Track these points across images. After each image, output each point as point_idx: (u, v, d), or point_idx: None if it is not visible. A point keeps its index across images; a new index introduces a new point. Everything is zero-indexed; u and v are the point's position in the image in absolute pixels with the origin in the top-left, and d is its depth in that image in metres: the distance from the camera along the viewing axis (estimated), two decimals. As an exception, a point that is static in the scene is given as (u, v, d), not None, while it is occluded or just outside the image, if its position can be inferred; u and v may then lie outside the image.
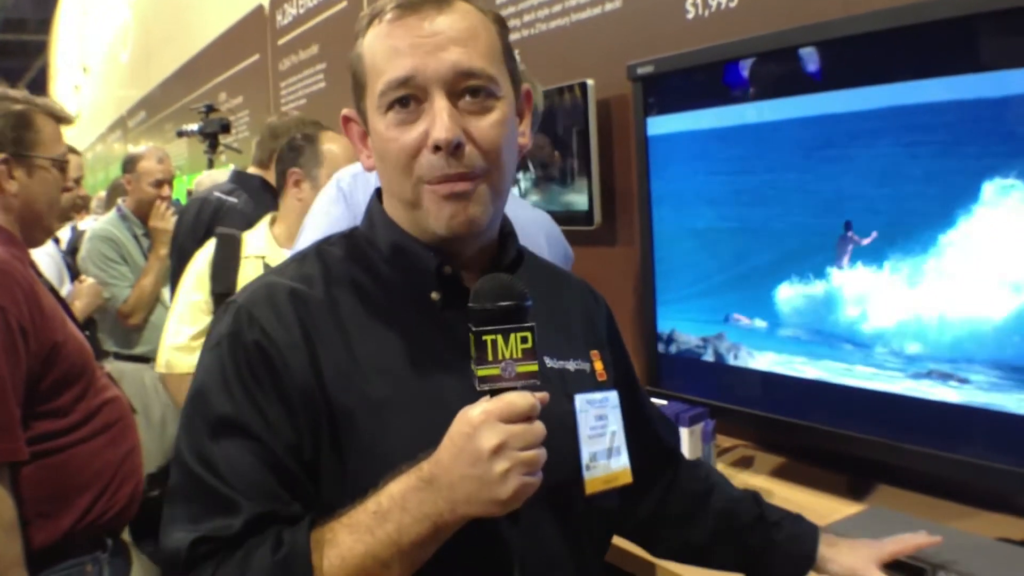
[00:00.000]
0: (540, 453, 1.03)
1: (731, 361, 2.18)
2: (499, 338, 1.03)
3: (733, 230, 2.20)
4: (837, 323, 1.96)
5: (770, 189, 2.09)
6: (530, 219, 2.11)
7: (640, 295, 2.51)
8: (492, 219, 1.23)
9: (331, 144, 2.80)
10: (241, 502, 1.07)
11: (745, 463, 2.25)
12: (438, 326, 1.20)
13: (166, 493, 1.13)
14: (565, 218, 2.90)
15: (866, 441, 1.89)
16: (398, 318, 1.21)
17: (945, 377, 1.75)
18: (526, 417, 1.02)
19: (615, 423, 1.28)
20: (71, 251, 4.81)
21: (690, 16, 2.44)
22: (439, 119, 1.14)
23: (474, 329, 1.04)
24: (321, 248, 1.29)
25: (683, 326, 2.35)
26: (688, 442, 2.21)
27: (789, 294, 2.04)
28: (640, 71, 2.38)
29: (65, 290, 3.87)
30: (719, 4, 2.35)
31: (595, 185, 2.79)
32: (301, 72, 5.14)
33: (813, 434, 2.03)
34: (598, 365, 1.36)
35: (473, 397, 1.04)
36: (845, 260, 1.92)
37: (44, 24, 20.50)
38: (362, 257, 1.27)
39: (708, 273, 2.29)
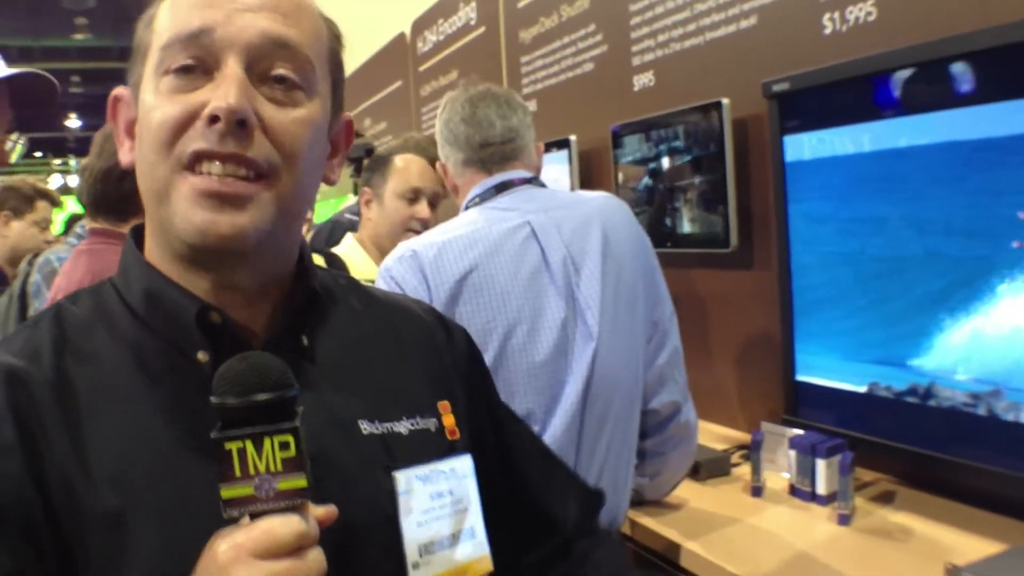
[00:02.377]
0: None
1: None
2: (248, 445, 0.74)
3: (889, 259, 2.06)
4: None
5: (925, 213, 1.96)
6: (592, 208, 1.99)
7: (777, 321, 2.42)
8: (269, 239, 0.91)
9: (399, 162, 2.90)
10: None
11: (886, 498, 2.13)
12: (208, 401, 0.79)
13: None
14: (700, 240, 2.84)
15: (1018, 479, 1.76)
16: (150, 396, 0.90)
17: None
18: (294, 548, 0.74)
19: (467, 498, 1.02)
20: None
21: (827, 31, 2.35)
22: (225, 84, 0.86)
23: (214, 435, 0.74)
24: (63, 308, 0.97)
25: (850, 367, 2.20)
26: (824, 475, 2.11)
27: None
28: (775, 88, 2.31)
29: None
30: (857, 19, 2.26)
31: (731, 207, 2.71)
32: (441, 97, 5.18)
33: (961, 470, 1.90)
34: (448, 420, 1.07)
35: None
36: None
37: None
38: (109, 316, 0.96)
39: (865, 305, 2.15)
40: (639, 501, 2.19)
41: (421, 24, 5.50)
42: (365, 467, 0.96)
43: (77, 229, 3.01)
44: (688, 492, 2.28)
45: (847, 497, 2.00)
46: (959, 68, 1.84)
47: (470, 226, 1.90)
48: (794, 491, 2.21)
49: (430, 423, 1.05)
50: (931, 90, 1.92)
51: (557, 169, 3.61)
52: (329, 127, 1.01)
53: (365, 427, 0.99)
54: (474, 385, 1.17)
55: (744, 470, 2.42)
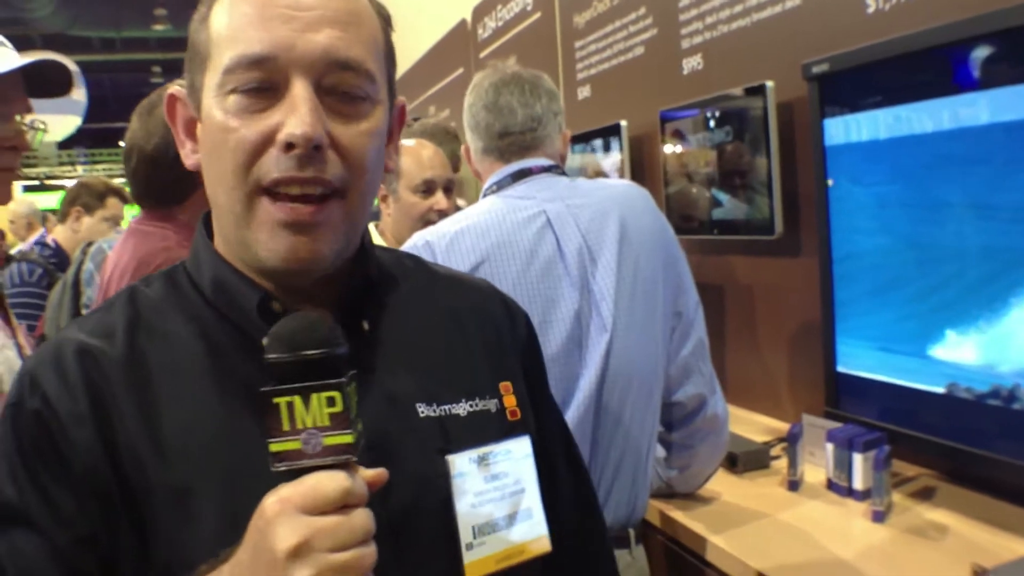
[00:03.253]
0: (361, 555, 0.76)
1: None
2: (296, 400, 0.76)
3: (943, 247, 1.94)
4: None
5: (990, 197, 1.83)
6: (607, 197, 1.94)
7: (821, 310, 2.34)
8: (340, 253, 0.97)
9: (407, 154, 2.84)
10: None
11: (926, 495, 2.06)
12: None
13: None
14: (746, 227, 2.77)
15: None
16: (217, 376, 0.95)
17: None
18: (340, 505, 0.76)
19: (524, 479, 1.03)
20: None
21: (870, 10, 2.27)
22: (298, 110, 0.89)
23: (264, 389, 0.77)
24: (136, 290, 1.03)
25: (896, 361, 2.09)
26: (861, 469, 2.04)
27: None
28: (815, 70, 2.23)
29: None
30: (900, -4, 2.17)
31: (776, 193, 2.64)
32: (500, 84, 5.15)
33: (1007, 468, 1.81)
34: (509, 401, 1.08)
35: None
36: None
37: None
38: (182, 299, 1.02)
39: (921, 296, 2.03)
40: (671, 494, 2.15)
41: (481, 10, 5.48)
42: (421, 450, 0.98)
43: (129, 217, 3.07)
44: (723, 485, 2.23)
45: (882, 493, 1.93)
46: (1005, 45, 1.76)
47: (485, 215, 1.87)
48: (831, 486, 2.15)
49: (491, 404, 1.07)
50: (972, 69, 1.83)
51: (609, 156, 3.57)
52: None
53: (422, 410, 1.01)
54: (530, 370, 1.18)
55: (785, 463, 2.36)
